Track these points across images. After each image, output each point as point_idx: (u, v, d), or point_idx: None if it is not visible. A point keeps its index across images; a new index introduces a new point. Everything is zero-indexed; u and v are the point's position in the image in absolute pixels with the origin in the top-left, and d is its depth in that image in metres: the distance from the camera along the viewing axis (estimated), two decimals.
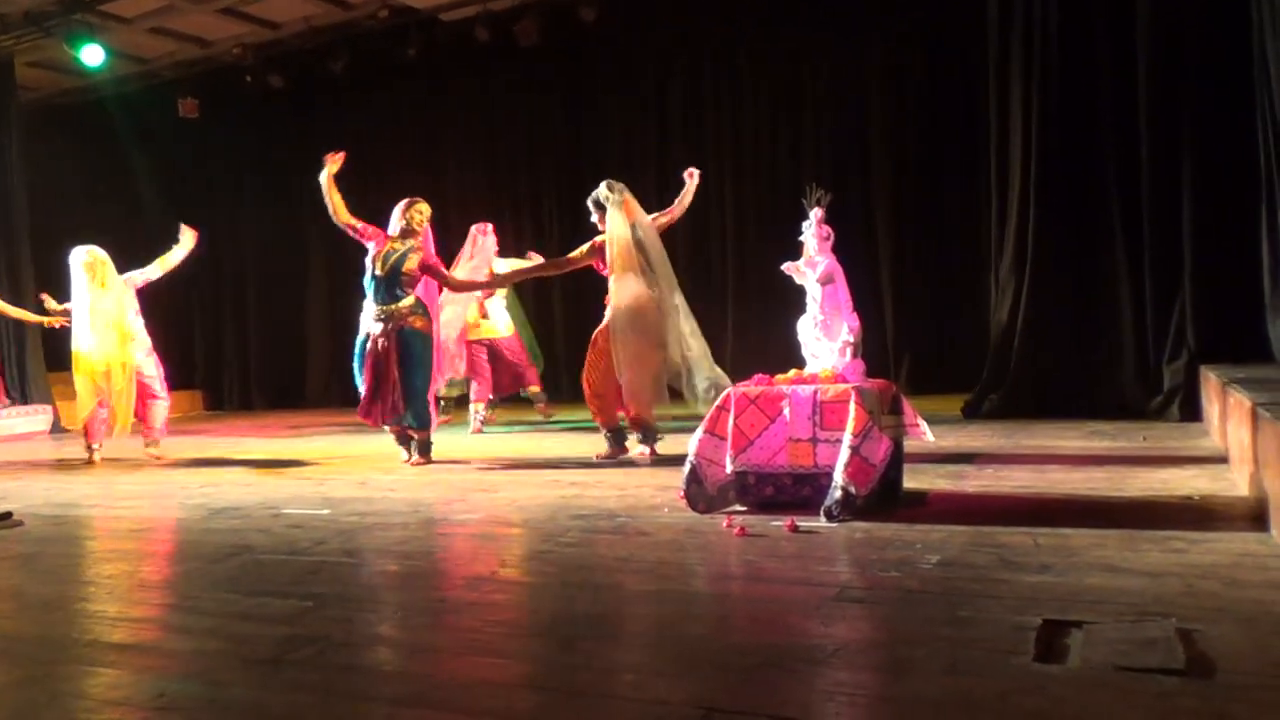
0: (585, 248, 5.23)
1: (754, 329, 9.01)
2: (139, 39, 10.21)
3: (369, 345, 5.28)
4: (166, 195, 12.08)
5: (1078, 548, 2.70)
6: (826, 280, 3.76)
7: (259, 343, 11.73)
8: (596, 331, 5.19)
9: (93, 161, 11.76)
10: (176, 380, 11.79)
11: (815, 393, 3.41)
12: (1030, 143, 6.52)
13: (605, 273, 5.13)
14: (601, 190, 5.11)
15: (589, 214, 5.22)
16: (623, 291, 4.99)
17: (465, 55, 9.96)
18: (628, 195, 5.11)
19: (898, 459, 3.60)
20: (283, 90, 10.76)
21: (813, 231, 3.81)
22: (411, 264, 5.31)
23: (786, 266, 3.87)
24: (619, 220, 5.04)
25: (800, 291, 3.92)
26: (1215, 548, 2.65)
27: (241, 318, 12.04)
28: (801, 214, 3.84)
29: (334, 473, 5.28)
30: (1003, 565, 2.56)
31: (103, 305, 6.22)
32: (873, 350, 7.16)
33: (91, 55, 9.33)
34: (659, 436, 5.14)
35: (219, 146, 11.67)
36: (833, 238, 3.83)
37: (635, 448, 5.21)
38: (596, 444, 5.36)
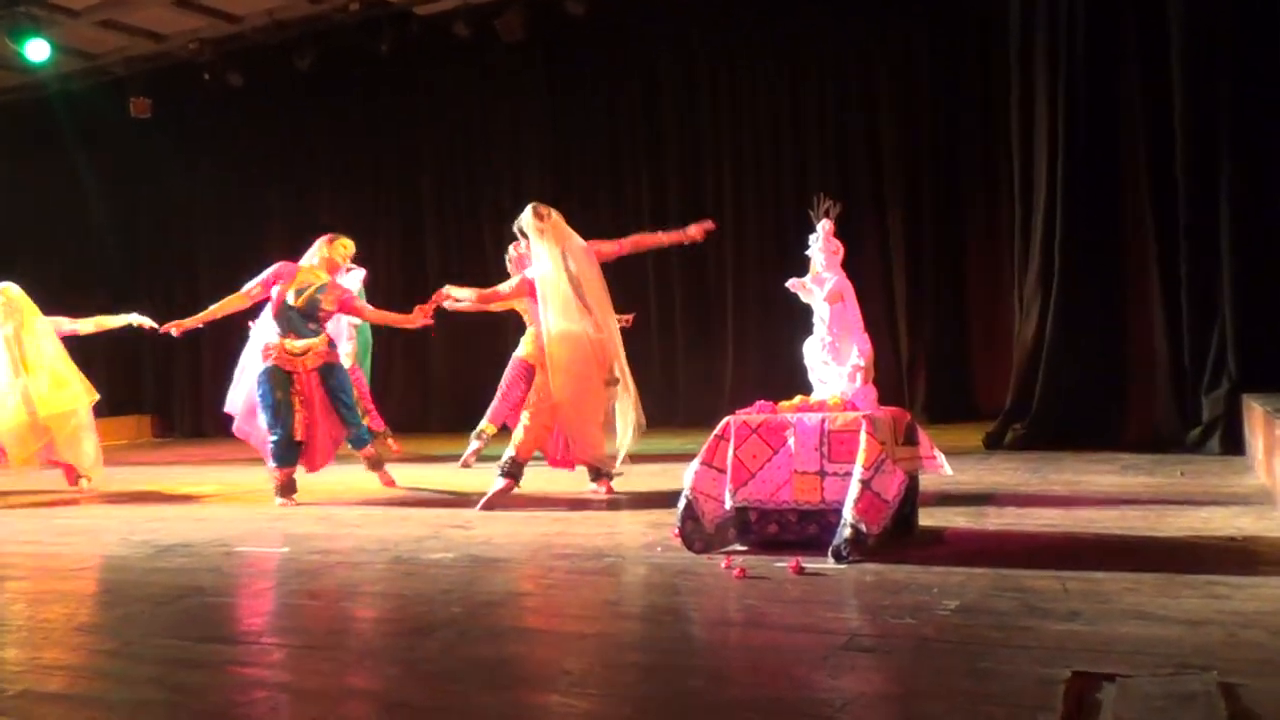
0: (512, 283, 5.21)
1: (755, 352, 9.03)
2: (87, 33, 10.25)
3: (291, 384, 5.44)
4: (116, 202, 12.11)
5: (1110, 593, 2.70)
6: (835, 298, 3.78)
7: (213, 364, 11.65)
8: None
9: (36, 165, 11.77)
10: (122, 405, 11.82)
11: (823, 421, 3.41)
12: (1056, 149, 6.56)
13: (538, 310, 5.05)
14: (525, 216, 5.02)
15: (517, 240, 5.19)
16: (555, 332, 4.91)
17: (443, 52, 10.02)
18: (556, 219, 5.01)
19: (912, 494, 3.59)
20: (243, 89, 10.79)
21: (821, 245, 3.83)
22: (329, 302, 5.56)
23: (792, 283, 3.88)
24: (545, 254, 4.97)
25: (806, 311, 3.93)
26: (1260, 593, 2.64)
27: (194, 337, 11.99)
28: (808, 226, 3.86)
29: (293, 506, 5.24)
30: (1027, 612, 2.55)
31: (34, 349, 6.24)
32: (885, 375, 7.20)
33: (36, 50, 9.36)
34: (615, 472, 5.09)
35: (174, 150, 11.69)
36: (842, 252, 3.84)
37: (588, 484, 5.17)
38: (578, 476, 5.30)
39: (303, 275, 5.53)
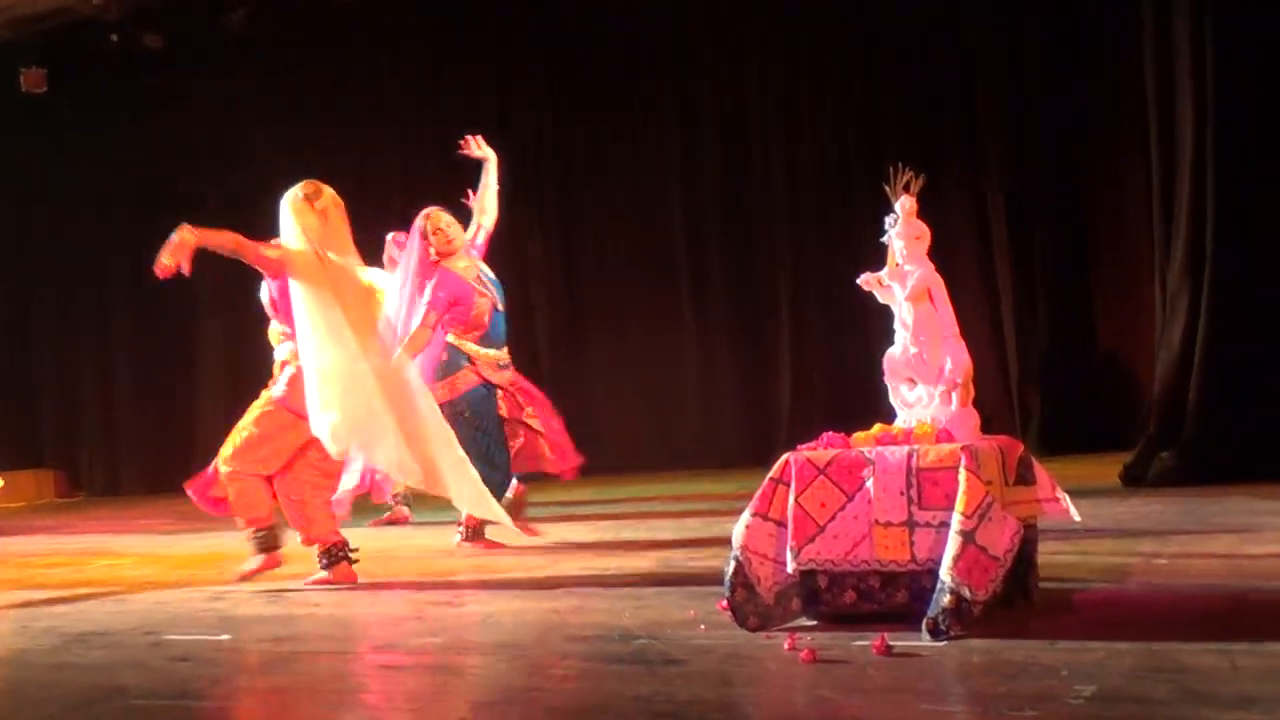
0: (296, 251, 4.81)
1: (820, 368, 9.01)
2: None
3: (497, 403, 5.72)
4: (4, 196, 12.25)
5: None
6: (920, 297, 3.76)
7: (131, 408, 11.79)
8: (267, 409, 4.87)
9: None
10: (17, 459, 11.93)
11: (910, 457, 3.39)
12: (1205, 96, 6.49)
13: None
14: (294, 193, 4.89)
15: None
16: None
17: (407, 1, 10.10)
18: (331, 203, 4.88)
19: (1029, 549, 3.57)
20: (161, 53, 10.91)
21: (900, 230, 3.82)
22: None
23: (864, 279, 3.87)
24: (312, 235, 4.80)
25: (884, 314, 3.92)
26: None
27: (108, 374, 12.12)
28: (884, 205, 3.86)
29: (235, 583, 5.27)
30: (1186, 698, 2.53)
31: None
32: (988, 394, 7.17)
33: None
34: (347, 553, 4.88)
35: (77, 130, 11.83)
36: (928, 238, 3.83)
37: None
38: (597, 531, 5.31)
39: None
